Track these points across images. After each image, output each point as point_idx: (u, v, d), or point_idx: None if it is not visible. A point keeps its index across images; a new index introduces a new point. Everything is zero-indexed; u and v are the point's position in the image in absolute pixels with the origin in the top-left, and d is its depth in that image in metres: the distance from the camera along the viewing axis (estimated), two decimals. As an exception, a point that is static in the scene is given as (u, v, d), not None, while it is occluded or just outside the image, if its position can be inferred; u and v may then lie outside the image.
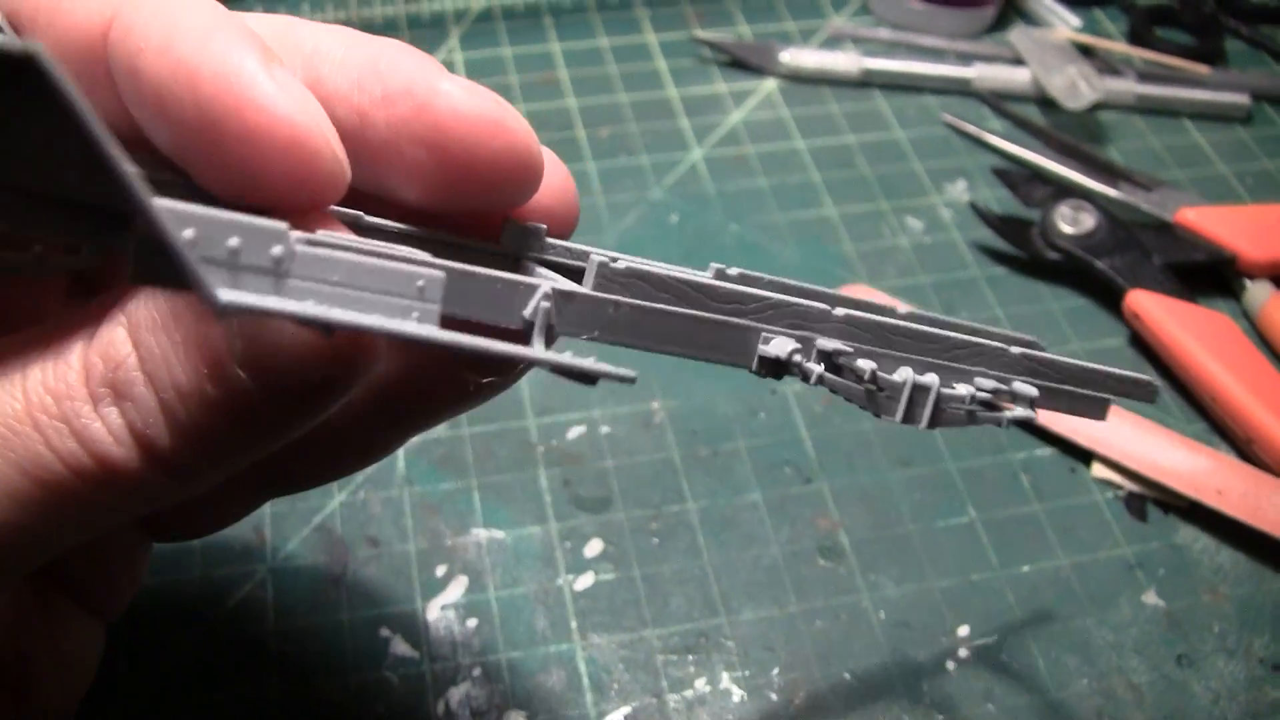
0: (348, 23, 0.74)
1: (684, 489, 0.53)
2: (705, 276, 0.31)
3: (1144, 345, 0.59)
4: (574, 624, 0.48)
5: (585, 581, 0.50)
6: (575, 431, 0.55)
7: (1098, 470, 0.54)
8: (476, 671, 0.47)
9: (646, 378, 0.57)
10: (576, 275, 0.31)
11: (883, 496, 0.53)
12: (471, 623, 0.48)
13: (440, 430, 0.54)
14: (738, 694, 0.47)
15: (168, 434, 0.26)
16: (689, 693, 0.47)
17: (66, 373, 0.27)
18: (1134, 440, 0.54)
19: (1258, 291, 0.61)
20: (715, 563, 0.51)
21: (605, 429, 0.55)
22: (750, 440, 0.55)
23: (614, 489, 0.53)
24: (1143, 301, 0.58)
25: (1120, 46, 0.77)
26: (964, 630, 0.49)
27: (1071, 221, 0.62)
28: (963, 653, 0.48)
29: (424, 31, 0.76)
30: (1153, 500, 0.54)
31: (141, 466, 0.27)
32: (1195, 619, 0.50)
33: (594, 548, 0.51)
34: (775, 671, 0.47)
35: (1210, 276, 0.62)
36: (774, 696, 0.47)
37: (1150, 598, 0.51)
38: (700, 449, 0.54)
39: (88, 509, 0.27)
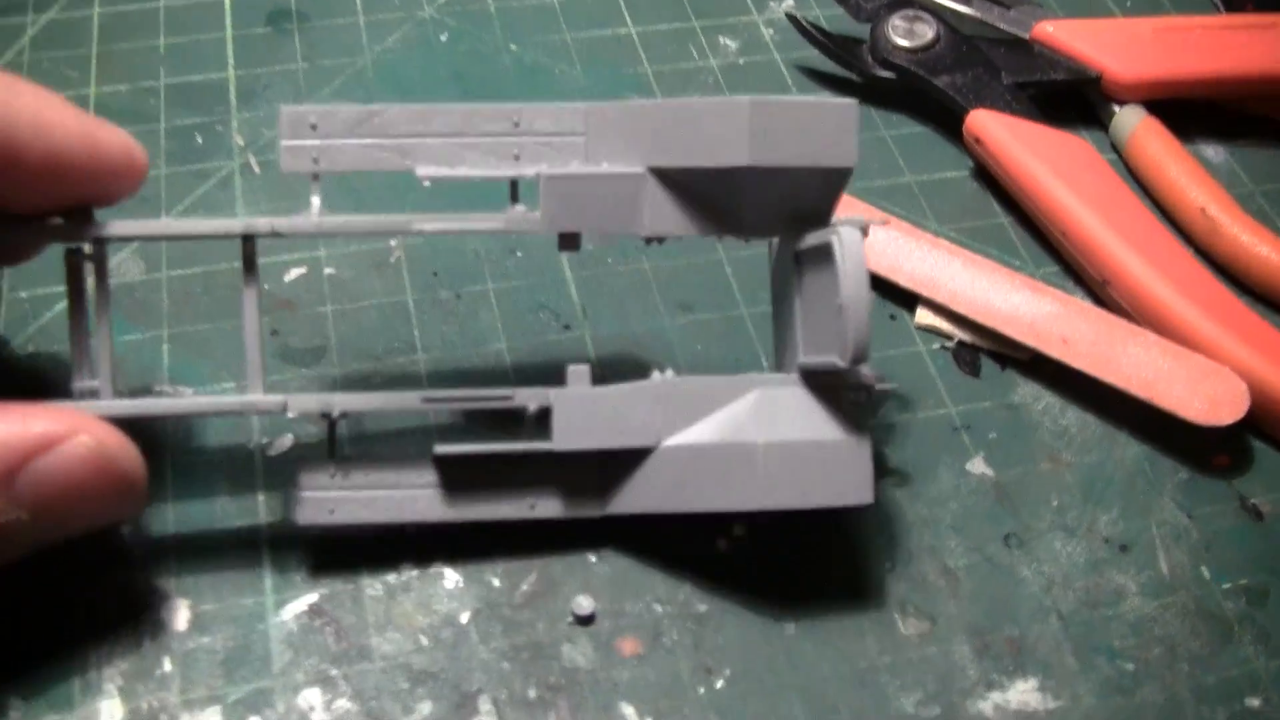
0: None
1: (415, 338, 0.43)
2: None
3: (989, 177, 0.50)
4: (261, 496, 0.39)
5: (283, 444, 0.40)
6: (294, 273, 0.45)
7: (922, 317, 0.46)
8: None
9: (386, 207, 0.47)
10: None
11: (657, 345, 0.44)
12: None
13: (134, 274, 0.45)
14: (453, 579, 0.38)
15: None
16: (391, 578, 0.38)
17: None
18: (967, 281, 0.45)
19: (1127, 117, 0.52)
20: (442, 423, 0.41)
21: (329, 270, 0.45)
22: (501, 283, 0.45)
23: (331, 339, 0.43)
24: (985, 122, 0.49)
25: None
26: (743, 504, 0.40)
27: (906, 34, 0.52)
28: (738, 531, 0.39)
29: None
30: (987, 352, 0.45)
31: None
32: (1030, 491, 0.41)
33: (294, 407, 0.41)
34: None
35: (1073, 100, 0.53)
36: (496, 583, 0.38)
37: (977, 466, 0.42)
38: (441, 292, 0.45)
39: None
